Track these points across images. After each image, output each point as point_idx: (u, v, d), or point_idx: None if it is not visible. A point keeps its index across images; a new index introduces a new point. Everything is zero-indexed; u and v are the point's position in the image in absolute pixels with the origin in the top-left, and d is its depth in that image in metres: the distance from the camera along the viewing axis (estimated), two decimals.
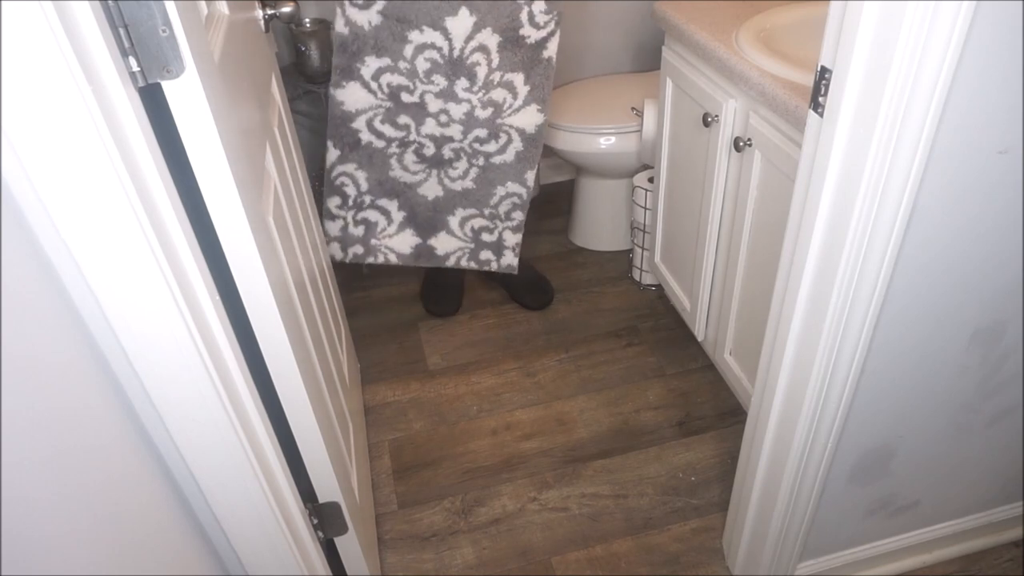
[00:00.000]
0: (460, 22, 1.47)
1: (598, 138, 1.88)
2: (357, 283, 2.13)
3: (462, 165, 1.66)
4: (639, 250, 1.98)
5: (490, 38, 1.52)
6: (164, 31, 0.61)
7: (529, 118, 1.64)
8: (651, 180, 1.83)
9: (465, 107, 1.58)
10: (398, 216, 1.71)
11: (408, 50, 1.49)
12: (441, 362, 1.85)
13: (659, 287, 2.02)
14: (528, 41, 1.56)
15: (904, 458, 1.11)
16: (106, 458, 0.65)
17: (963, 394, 1.03)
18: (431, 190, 1.69)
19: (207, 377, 0.71)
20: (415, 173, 1.66)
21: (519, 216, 1.74)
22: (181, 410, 0.72)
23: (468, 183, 1.69)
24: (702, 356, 1.81)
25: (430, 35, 1.47)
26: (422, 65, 1.51)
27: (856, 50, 0.70)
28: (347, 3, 1.46)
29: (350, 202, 1.68)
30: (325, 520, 1.08)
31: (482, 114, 1.60)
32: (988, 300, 0.91)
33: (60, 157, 0.55)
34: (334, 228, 1.70)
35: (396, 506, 1.51)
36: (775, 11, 1.40)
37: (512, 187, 1.71)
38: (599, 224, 2.15)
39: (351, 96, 1.53)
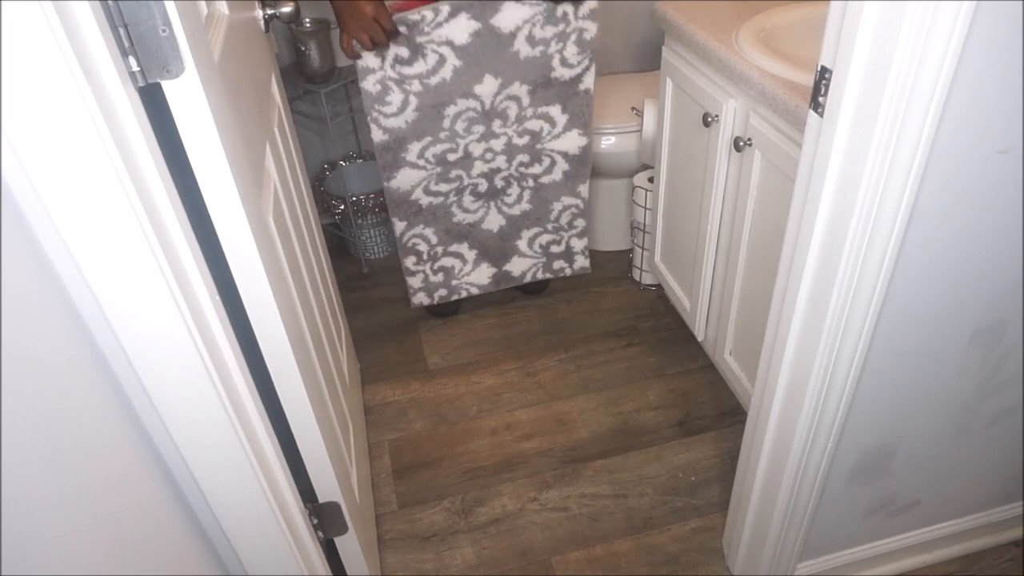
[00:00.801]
0: (486, 87, 1.51)
1: (598, 138, 1.88)
2: (357, 283, 2.13)
3: (514, 190, 1.72)
4: (639, 250, 1.98)
5: (519, 89, 1.55)
6: (164, 31, 0.61)
7: (571, 142, 1.66)
8: (651, 180, 1.83)
9: (503, 140, 1.62)
10: (471, 255, 1.79)
11: (447, 122, 1.55)
12: (441, 362, 1.85)
13: (659, 287, 2.02)
14: (562, 80, 1.57)
15: (904, 458, 1.11)
16: (106, 458, 0.65)
17: (963, 394, 1.03)
18: (494, 222, 1.75)
19: (207, 377, 0.71)
20: (475, 211, 1.73)
21: (581, 223, 1.81)
22: (181, 410, 0.72)
23: (524, 205, 1.75)
24: (702, 356, 1.81)
25: (463, 103, 1.53)
26: (461, 126, 1.56)
27: (856, 50, 0.70)
28: (380, 116, 1.48)
29: (424, 256, 1.76)
30: (325, 520, 1.08)
31: (520, 141, 1.63)
32: (988, 300, 0.91)
33: (60, 157, 0.55)
34: (416, 281, 1.79)
35: (396, 506, 1.51)
36: (775, 11, 1.40)
37: (567, 200, 1.77)
38: (599, 224, 2.15)
39: (403, 179, 1.61)
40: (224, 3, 0.92)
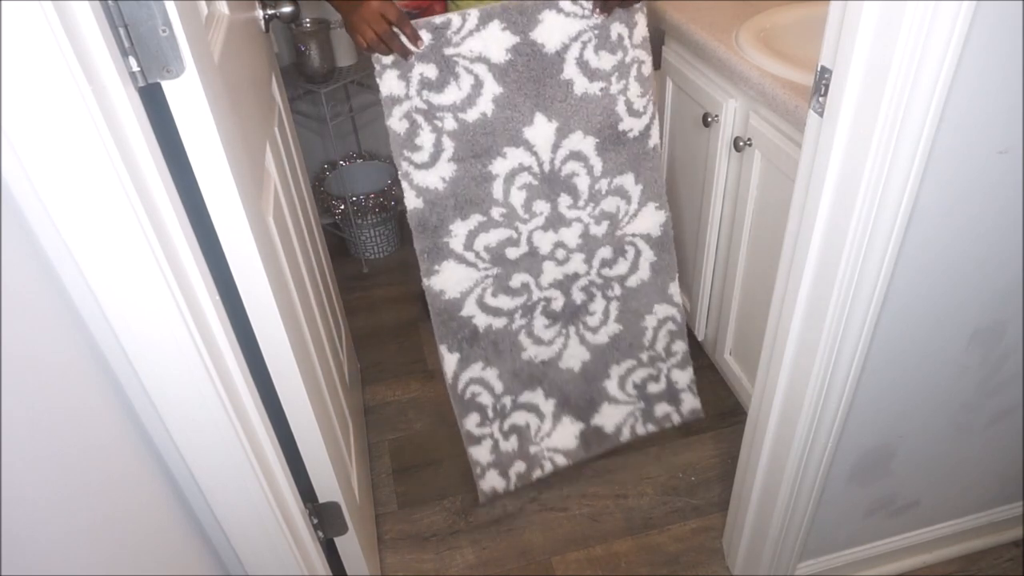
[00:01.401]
0: (538, 130, 1.22)
1: None
2: (357, 283, 2.13)
3: (598, 306, 1.38)
4: None
5: (583, 142, 1.25)
6: (164, 31, 0.61)
7: (650, 219, 1.35)
8: None
9: (578, 228, 1.31)
10: (548, 406, 1.39)
11: (497, 187, 1.23)
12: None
13: None
14: (631, 135, 1.28)
15: (904, 458, 1.11)
16: (106, 458, 0.65)
17: (963, 394, 1.03)
18: (574, 358, 1.40)
19: (207, 377, 0.71)
20: (550, 343, 1.38)
21: (681, 346, 1.43)
22: (181, 410, 0.72)
23: (613, 326, 1.40)
24: (702, 356, 1.81)
25: (514, 155, 1.22)
26: (518, 198, 1.25)
27: (856, 50, 0.70)
28: (411, 169, 1.19)
29: (490, 413, 1.36)
30: (325, 520, 1.08)
31: (598, 231, 1.33)
32: (988, 300, 0.91)
33: (60, 157, 0.55)
34: (483, 453, 1.35)
35: (396, 506, 1.51)
36: (775, 11, 1.40)
37: (661, 310, 1.42)
38: None
39: (449, 278, 1.27)
40: (224, 3, 0.92)
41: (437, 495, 1.52)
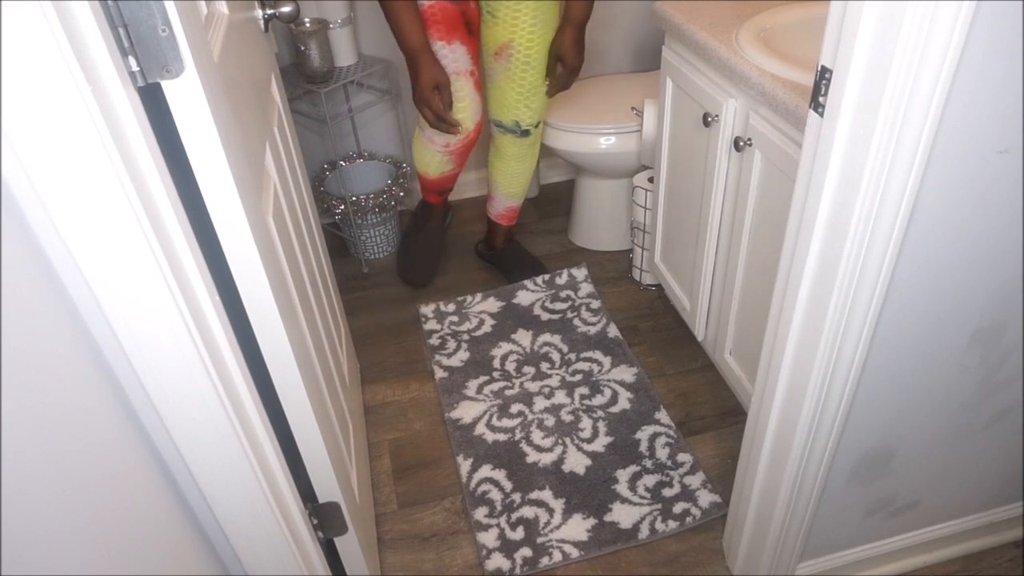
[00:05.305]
0: (521, 336, 1.89)
1: (598, 138, 1.88)
2: (357, 283, 2.13)
3: (587, 424, 1.63)
4: (639, 250, 1.98)
5: (552, 338, 1.88)
6: (164, 31, 0.61)
7: (625, 372, 1.76)
8: (651, 180, 1.83)
9: (557, 378, 1.75)
10: (558, 504, 1.47)
11: (496, 361, 1.82)
12: None
13: (659, 287, 2.02)
14: (590, 332, 1.88)
15: (904, 458, 1.11)
16: (105, 457, 0.65)
17: (963, 394, 1.03)
18: (576, 462, 1.55)
19: (207, 377, 0.71)
20: (550, 449, 1.58)
21: (686, 457, 1.55)
22: (181, 410, 0.72)
23: (605, 438, 1.59)
24: (702, 356, 1.81)
25: (506, 346, 1.86)
26: (511, 366, 1.80)
27: (856, 50, 0.70)
28: (442, 359, 1.83)
29: (498, 507, 1.48)
30: (325, 520, 1.08)
31: (573, 379, 1.75)
32: (988, 300, 0.91)
33: (60, 157, 0.55)
34: (490, 539, 1.42)
35: (396, 506, 1.51)
36: (775, 11, 1.40)
37: (650, 428, 1.62)
38: (599, 224, 2.15)
39: (466, 411, 1.69)
40: (224, 3, 0.92)
41: (437, 495, 1.52)
